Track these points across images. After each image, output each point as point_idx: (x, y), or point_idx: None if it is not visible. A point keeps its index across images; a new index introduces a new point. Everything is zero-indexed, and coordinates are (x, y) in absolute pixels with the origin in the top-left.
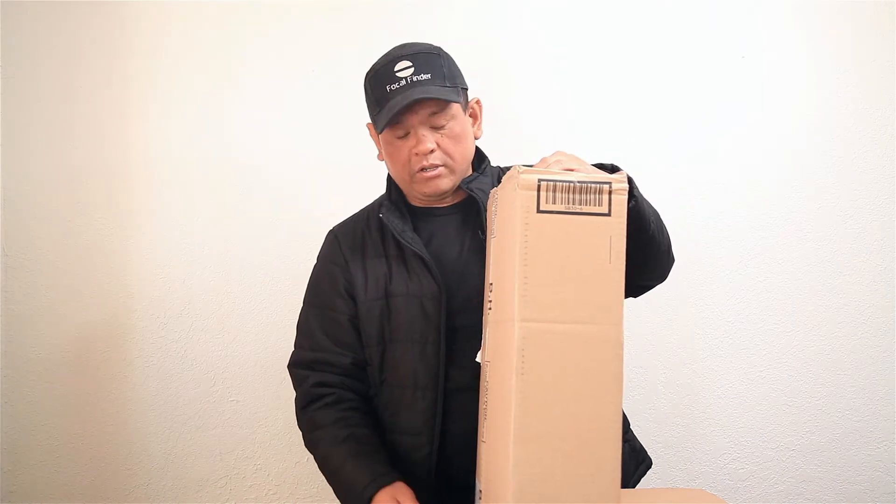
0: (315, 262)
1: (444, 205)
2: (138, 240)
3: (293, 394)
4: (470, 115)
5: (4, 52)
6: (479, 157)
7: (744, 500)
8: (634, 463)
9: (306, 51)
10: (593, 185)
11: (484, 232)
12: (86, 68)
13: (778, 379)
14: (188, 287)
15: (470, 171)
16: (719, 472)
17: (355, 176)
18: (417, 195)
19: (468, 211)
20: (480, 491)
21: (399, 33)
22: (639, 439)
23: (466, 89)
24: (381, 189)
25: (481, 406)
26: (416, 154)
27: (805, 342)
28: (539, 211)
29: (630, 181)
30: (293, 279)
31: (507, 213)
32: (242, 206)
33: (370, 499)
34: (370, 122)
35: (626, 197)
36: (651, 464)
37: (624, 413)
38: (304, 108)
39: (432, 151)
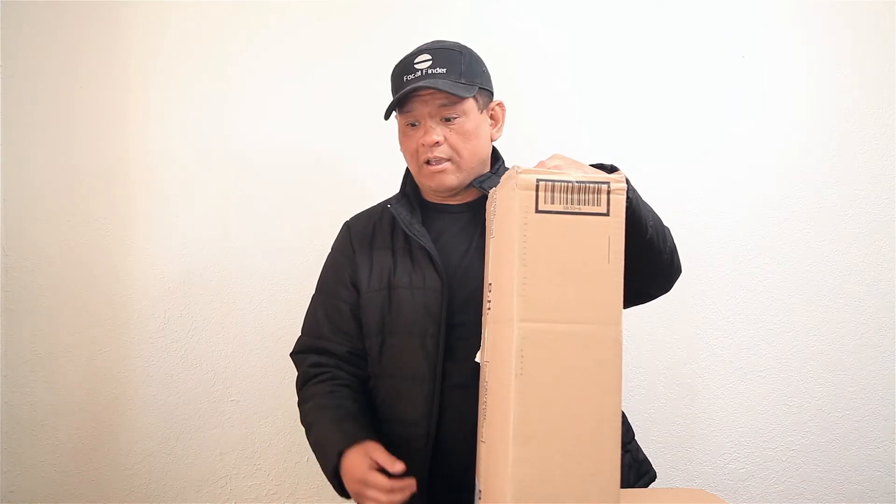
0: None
1: (457, 202)
2: (138, 240)
3: (293, 394)
4: (490, 117)
5: (4, 52)
6: (495, 158)
7: (744, 500)
8: (635, 475)
9: (307, 50)
10: (591, 185)
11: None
12: (86, 68)
13: (778, 379)
14: (188, 287)
15: (484, 171)
16: (719, 472)
17: (357, 176)
18: (424, 187)
19: (479, 209)
20: (480, 491)
21: (399, 33)
22: (643, 450)
23: (489, 91)
24: (382, 187)
25: (481, 406)
26: (423, 145)
27: (805, 342)
28: (538, 211)
29: (626, 182)
30: (293, 279)
31: (505, 213)
32: (243, 206)
33: (340, 454)
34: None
35: (624, 197)
36: (655, 477)
37: (629, 423)
38: (305, 107)
39: (438, 144)
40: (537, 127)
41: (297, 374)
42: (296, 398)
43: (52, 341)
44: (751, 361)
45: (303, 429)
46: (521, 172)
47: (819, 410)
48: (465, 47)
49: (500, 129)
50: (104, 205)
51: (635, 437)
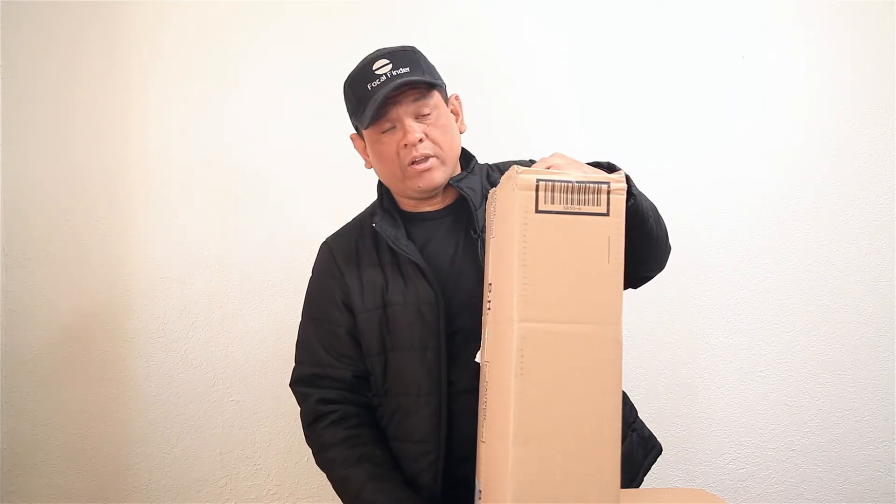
0: (311, 273)
1: (436, 208)
2: (138, 240)
3: (293, 394)
4: (451, 111)
5: (4, 52)
6: (466, 157)
7: (744, 500)
8: (643, 452)
9: (307, 52)
10: (592, 185)
11: (476, 231)
12: (86, 68)
13: (778, 379)
14: (188, 287)
15: (458, 168)
16: (719, 472)
17: (355, 177)
18: (411, 191)
19: (459, 211)
20: (480, 491)
21: (399, 33)
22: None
23: (444, 86)
24: None
25: (481, 406)
26: (405, 146)
27: (805, 342)
28: (538, 211)
29: (628, 179)
30: (293, 279)
31: (505, 213)
32: (242, 206)
33: None
34: (353, 133)
35: (624, 196)
36: (661, 450)
37: (631, 402)
38: (305, 107)
39: (421, 141)
40: (537, 127)
41: (300, 408)
42: (296, 396)
43: (52, 341)
44: (751, 361)
45: (303, 429)
46: (521, 172)
47: (819, 410)
48: (414, 47)
49: (462, 122)
50: (104, 205)
51: (639, 416)
